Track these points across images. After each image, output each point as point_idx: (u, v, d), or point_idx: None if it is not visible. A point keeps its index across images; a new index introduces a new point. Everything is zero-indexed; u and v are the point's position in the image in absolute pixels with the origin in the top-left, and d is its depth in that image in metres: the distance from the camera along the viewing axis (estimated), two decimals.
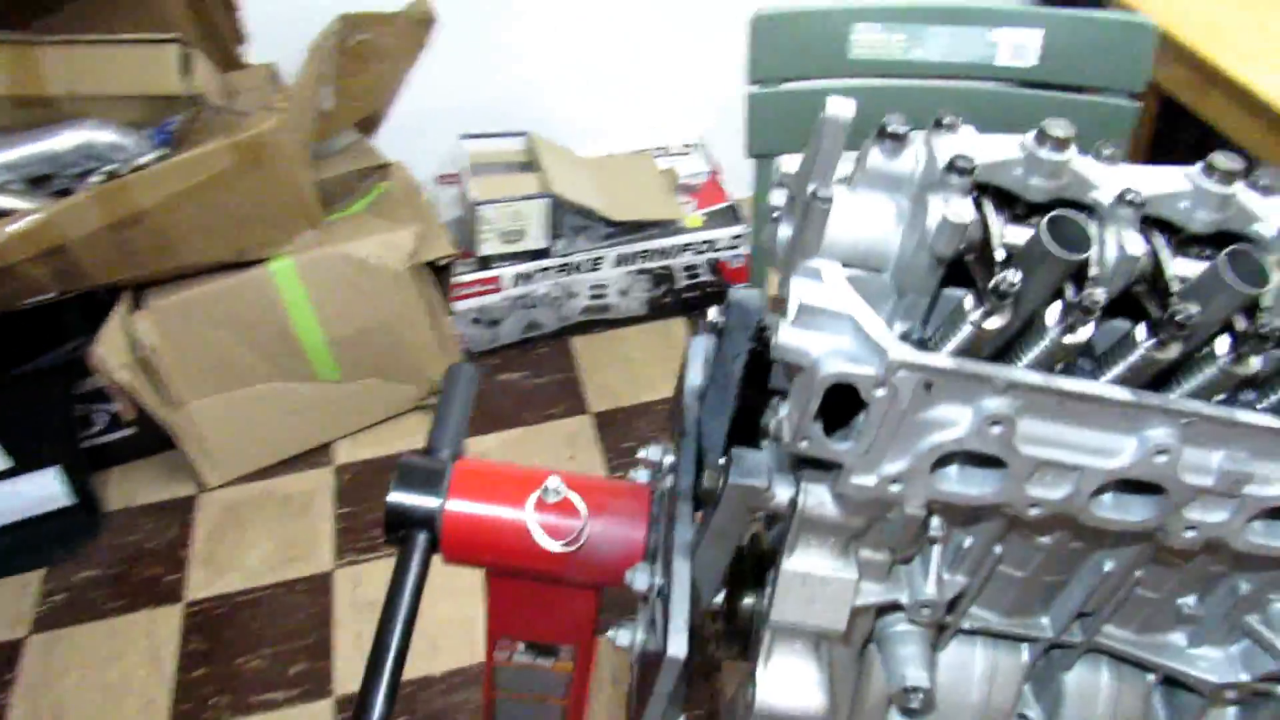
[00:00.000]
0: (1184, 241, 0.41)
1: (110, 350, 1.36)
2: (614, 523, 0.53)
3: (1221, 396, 0.41)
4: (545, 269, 1.65)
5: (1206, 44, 1.03)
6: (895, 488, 0.41)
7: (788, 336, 0.40)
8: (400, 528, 0.53)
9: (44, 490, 1.43)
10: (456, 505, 0.53)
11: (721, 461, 0.46)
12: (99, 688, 1.27)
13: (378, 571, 1.38)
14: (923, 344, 0.41)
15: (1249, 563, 0.45)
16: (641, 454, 0.57)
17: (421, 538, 0.52)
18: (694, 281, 1.73)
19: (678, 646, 0.44)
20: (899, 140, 0.43)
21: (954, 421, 0.40)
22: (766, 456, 0.44)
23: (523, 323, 1.70)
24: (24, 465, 1.40)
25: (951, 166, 0.39)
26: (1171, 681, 0.50)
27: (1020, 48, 0.95)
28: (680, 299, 1.75)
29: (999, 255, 0.38)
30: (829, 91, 1.00)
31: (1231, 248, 0.38)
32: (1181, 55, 1.03)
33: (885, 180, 0.43)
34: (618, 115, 1.90)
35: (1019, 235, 0.40)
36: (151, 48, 1.47)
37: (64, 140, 1.43)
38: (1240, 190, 0.40)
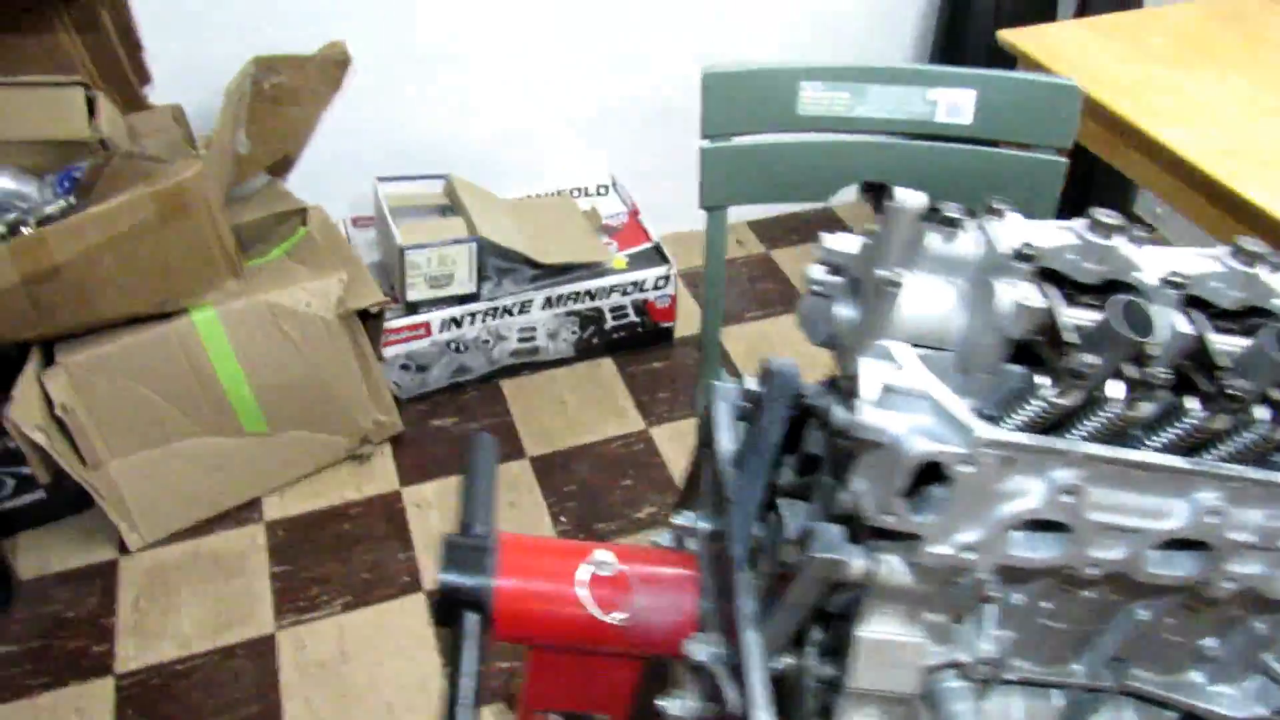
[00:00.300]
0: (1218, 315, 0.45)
1: (24, 411, 1.28)
2: (664, 593, 0.53)
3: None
4: (474, 313, 1.63)
5: (1120, 103, 1.11)
6: (969, 555, 0.43)
7: (869, 416, 0.42)
8: (452, 610, 0.52)
9: None
10: (508, 583, 0.52)
11: (793, 533, 0.47)
12: None
13: (324, 630, 1.33)
14: (992, 419, 0.43)
15: (1268, 606, 0.48)
16: (676, 520, 0.58)
17: (475, 619, 0.51)
18: (622, 322, 1.74)
19: None
20: (954, 225, 0.45)
21: (1026, 492, 0.42)
22: (839, 529, 0.46)
23: (451, 367, 1.67)
24: None
25: (1018, 254, 0.42)
26: (1192, 718, 0.53)
27: (955, 107, 1.00)
28: (608, 339, 1.76)
29: (1071, 337, 0.41)
30: (778, 145, 1.04)
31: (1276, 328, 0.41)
32: (1097, 113, 1.11)
33: (944, 263, 0.45)
34: (531, 157, 1.90)
35: (1076, 316, 0.42)
36: (54, 90, 1.40)
37: None
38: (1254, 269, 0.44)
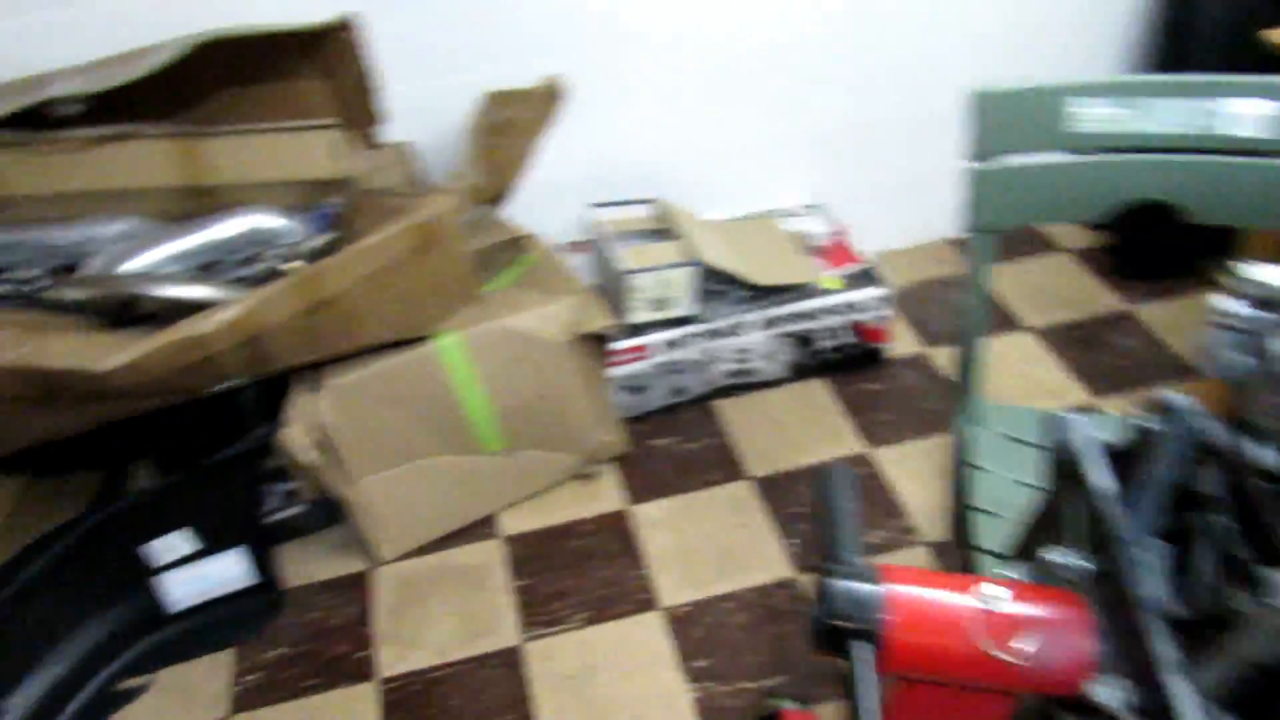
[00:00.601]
0: None
1: (297, 433, 1.37)
2: (1059, 631, 0.52)
3: None
4: (691, 335, 1.65)
5: None
6: None
7: None
8: (837, 639, 0.52)
9: (230, 571, 1.43)
10: (900, 615, 0.52)
11: (1213, 578, 0.45)
12: None
13: (568, 645, 1.37)
14: None
15: None
16: (1052, 557, 0.56)
17: (868, 650, 0.51)
18: (835, 343, 1.73)
19: None
20: None
21: None
22: None
23: (669, 388, 1.70)
24: (212, 548, 1.41)
25: None
26: None
27: (1253, 118, 0.95)
28: (821, 361, 1.75)
29: None
30: (1052, 165, 1.00)
31: None
32: None
33: None
34: (732, 178, 1.92)
35: None
36: (307, 134, 1.49)
37: (231, 227, 1.46)
38: None
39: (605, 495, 1.58)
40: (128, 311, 1.29)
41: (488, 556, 1.51)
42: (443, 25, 1.64)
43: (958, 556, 1.09)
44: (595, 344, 1.53)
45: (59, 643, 1.35)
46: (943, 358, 1.78)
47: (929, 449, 1.61)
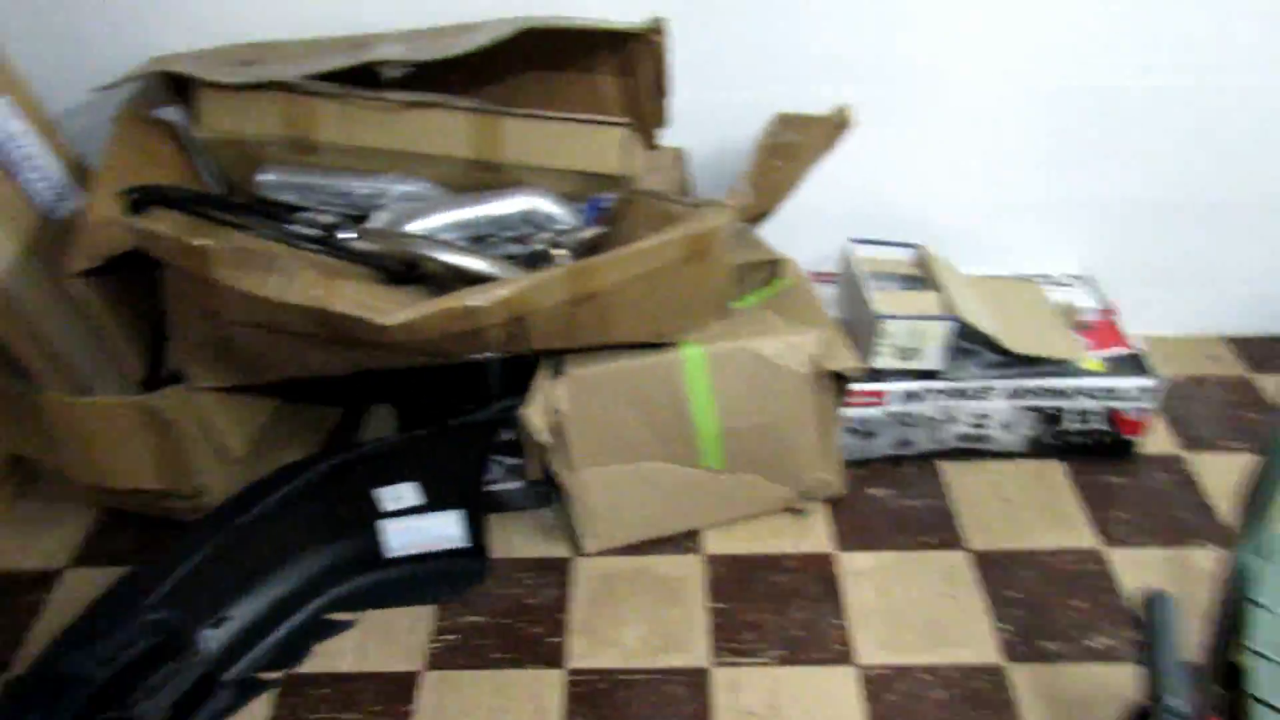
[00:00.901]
0: None
1: (536, 413, 1.39)
2: None
3: None
4: (932, 390, 1.58)
5: None
6: None
7: None
8: None
9: (445, 530, 1.48)
10: None
11: None
12: None
13: (756, 680, 1.33)
14: None
15: None
16: None
17: None
18: (1083, 427, 1.61)
19: None
20: None
21: None
22: None
23: (896, 439, 1.63)
24: (434, 505, 1.46)
25: None
26: None
27: None
28: (1064, 442, 1.64)
29: None
30: None
31: None
32: None
33: None
34: (999, 235, 1.82)
35: None
36: (600, 128, 1.51)
37: (510, 205, 1.50)
38: None
39: (814, 535, 1.54)
40: (408, 270, 1.35)
41: (688, 571, 1.49)
42: (740, 42, 1.63)
43: (1210, 693, 0.99)
44: (835, 382, 1.49)
45: (285, 565, 1.43)
46: (1203, 465, 1.63)
47: (1172, 560, 1.48)
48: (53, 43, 1.61)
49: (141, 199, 1.25)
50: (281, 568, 1.42)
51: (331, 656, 1.40)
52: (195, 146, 1.54)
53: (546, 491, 1.59)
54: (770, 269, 1.59)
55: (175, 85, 1.54)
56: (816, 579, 1.47)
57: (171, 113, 1.58)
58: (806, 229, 1.75)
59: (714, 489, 1.53)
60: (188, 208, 1.30)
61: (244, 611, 1.39)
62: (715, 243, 1.35)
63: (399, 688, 1.35)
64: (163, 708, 1.27)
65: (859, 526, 1.55)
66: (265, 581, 1.40)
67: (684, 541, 1.54)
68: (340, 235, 1.30)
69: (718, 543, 1.54)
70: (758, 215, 1.66)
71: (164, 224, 1.28)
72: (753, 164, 1.48)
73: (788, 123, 1.53)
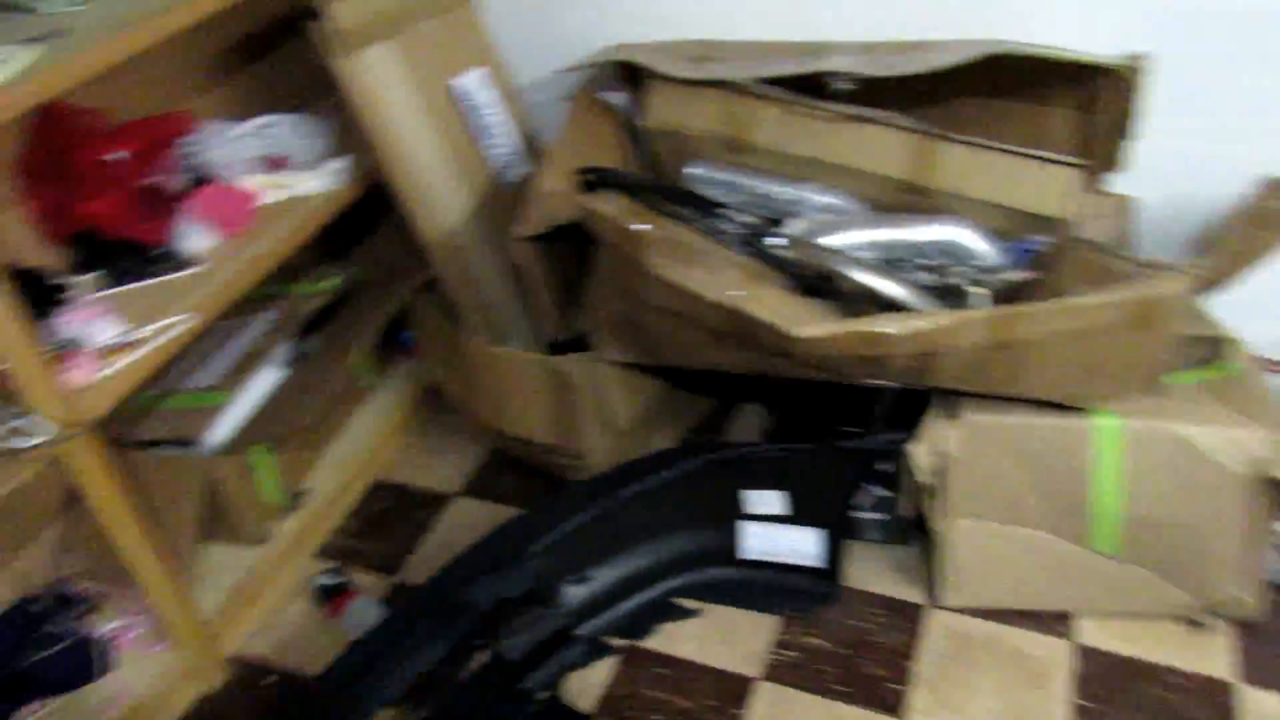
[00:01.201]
0: None
1: (924, 452, 1.33)
2: None
3: None
4: None
5: None
6: None
7: None
8: None
9: (803, 545, 1.46)
10: None
11: None
12: None
13: None
14: None
15: None
16: None
17: None
18: None
19: None
20: None
21: None
22: None
23: None
24: (798, 519, 1.44)
25: None
26: None
27: None
28: None
29: None
30: None
31: None
32: None
33: None
34: None
35: None
36: (1047, 166, 1.40)
37: (932, 233, 1.43)
38: None
39: (1212, 656, 1.34)
40: (822, 283, 1.33)
41: (1053, 654, 1.36)
42: (1225, 89, 1.43)
43: None
44: (1275, 491, 1.28)
45: (649, 542, 1.47)
46: None
47: None
48: (525, 21, 1.76)
49: (594, 180, 1.34)
50: (645, 543, 1.47)
51: (674, 639, 1.44)
52: (634, 132, 1.62)
53: (908, 531, 1.51)
54: (1212, 348, 1.39)
55: (628, 74, 1.63)
56: (1208, 707, 1.28)
57: (616, 98, 1.68)
58: (1264, 307, 1.51)
59: (1100, 574, 1.37)
60: (633, 193, 1.36)
61: (605, 576, 1.46)
62: (1165, 312, 1.20)
63: (734, 689, 1.36)
64: (522, 648, 1.36)
65: (1273, 661, 1.32)
66: (629, 553, 1.46)
67: (1053, 622, 1.40)
68: (768, 240, 1.31)
69: (1095, 634, 1.38)
70: (1211, 284, 1.47)
71: (609, 205, 1.36)
72: (1226, 229, 1.30)
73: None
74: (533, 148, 1.68)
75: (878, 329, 1.19)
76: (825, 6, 1.55)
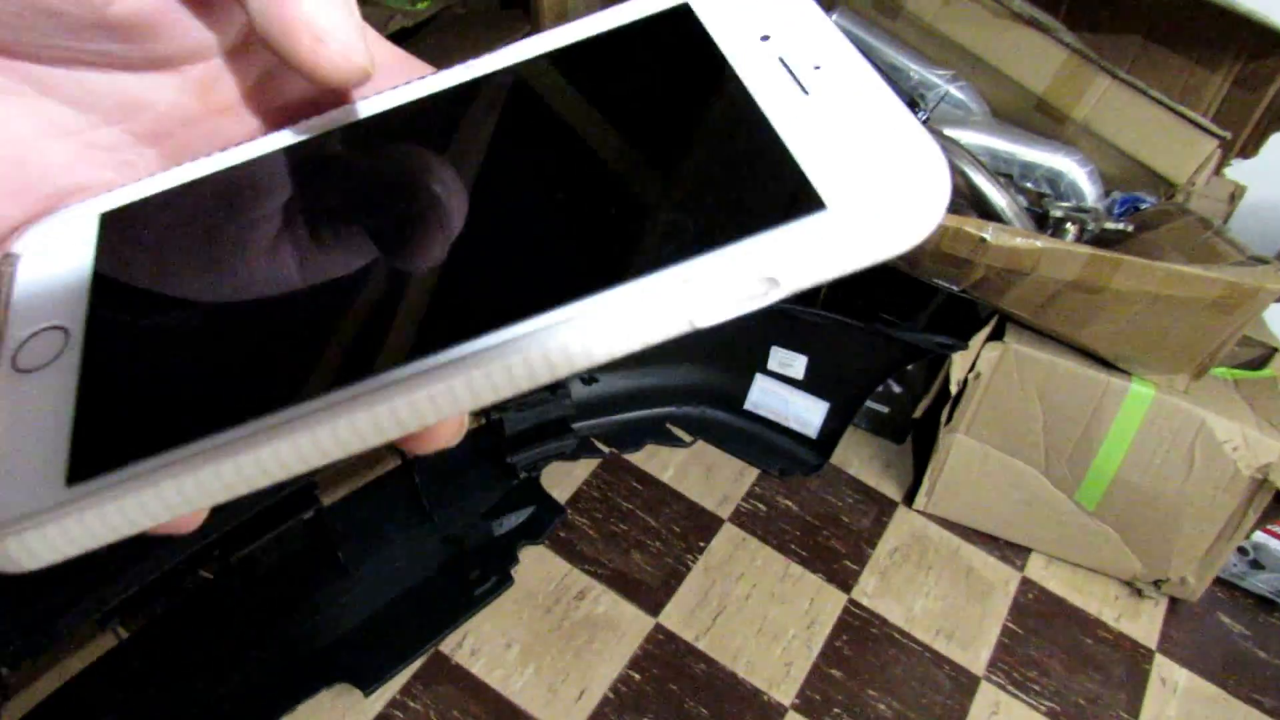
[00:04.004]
0: None
1: (961, 363, 1.28)
2: None
3: None
4: None
5: None
6: None
7: None
8: None
9: (805, 414, 1.43)
10: None
11: None
12: (757, 615, 1.26)
13: (1018, 712, 1.22)
14: None
15: None
16: None
17: None
18: None
19: None
20: None
21: None
22: None
23: (1273, 587, 1.40)
24: (811, 387, 1.40)
25: None
26: None
27: None
28: None
29: None
30: None
31: None
32: None
33: None
34: None
35: None
36: (1194, 132, 1.30)
37: (1047, 159, 1.34)
38: None
39: (1143, 623, 1.37)
40: None
41: (1000, 578, 1.37)
42: None
43: None
44: (1271, 501, 1.27)
45: (663, 364, 1.43)
46: None
47: None
48: None
49: None
50: (661, 365, 1.42)
51: (659, 461, 1.41)
52: None
53: (908, 431, 1.49)
54: (1260, 355, 1.36)
55: None
56: (1125, 666, 1.32)
57: None
58: None
59: (1069, 523, 1.38)
60: None
61: (612, 382, 1.41)
62: (1252, 304, 1.15)
63: (702, 522, 1.35)
64: (522, 424, 1.32)
65: (1194, 643, 1.36)
66: (640, 368, 1.41)
67: (1009, 550, 1.41)
68: (916, 114, 1.20)
69: (1040, 570, 1.40)
70: None
71: None
72: None
73: None
74: None
75: (982, 234, 1.11)
76: None
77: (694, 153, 0.23)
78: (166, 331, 0.22)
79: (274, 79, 0.27)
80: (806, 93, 0.23)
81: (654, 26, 0.26)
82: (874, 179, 0.21)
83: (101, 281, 0.23)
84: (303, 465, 0.20)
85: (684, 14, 0.26)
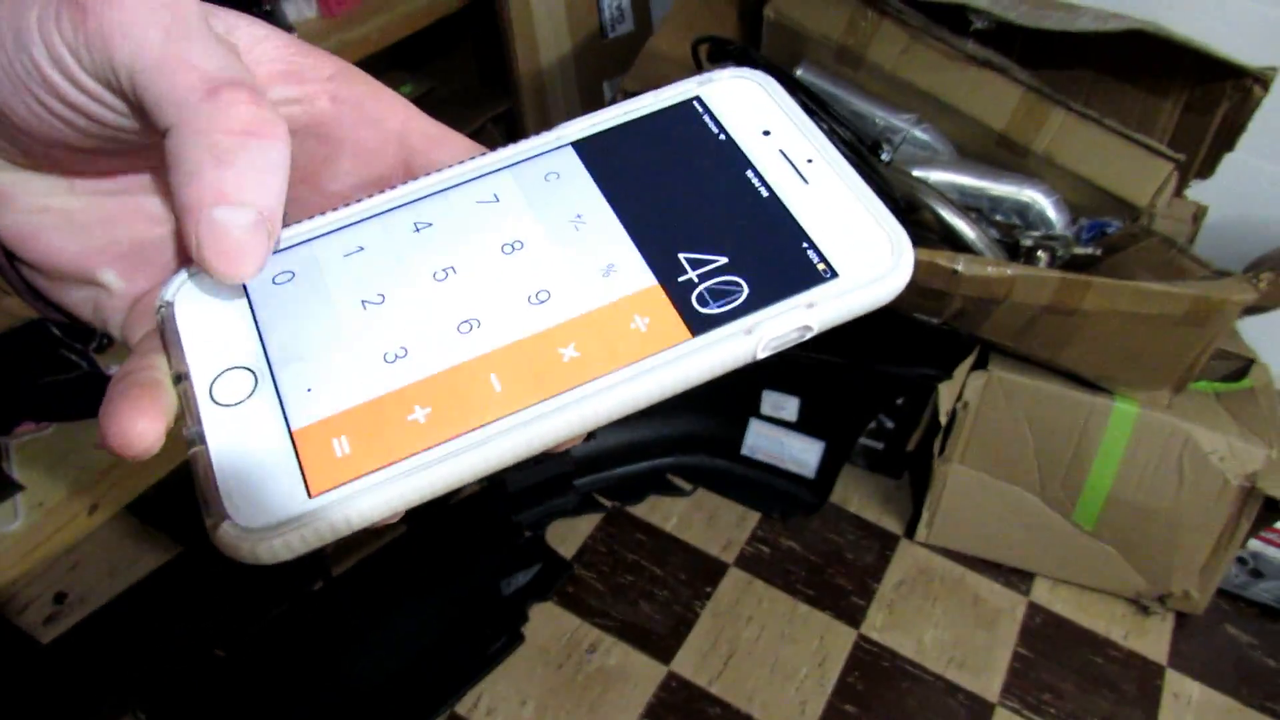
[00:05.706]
0: None
1: (948, 394, 1.30)
2: None
3: None
4: None
5: None
6: None
7: None
8: None
9: (802, 455, 1.44)
10: None
11: None
12: (769, 657, 1.26)
13: None
14: None
15: None
16: None
17: None
18: None
19: None
20: None
21: None
22: None
23: (1276, 595, 1.40)
24: (805, 428, 1.41)
25: None
26: None
27: None
28: None
29: None
30: None
31: None
32: None
33: None
34: None
35: None
36: (1150, 156, 1.33)
37: (1013, 192, 1.37)
38: None
39: (1151, 640, 1.36)
40: (907, 210, 1.27)
41: (1006, 604, 1.37)
42: None
43: None
44: (1262, 509, 1.28)
45: (661, 416, 1.44)
46: None
47: None
48: None
49: (713, 51, 1.25)
50: (658, 416, 1.43)
51: (661, 512, 1.42)
52: (750, 17, 1.52)
53: (903, 464, 1.50)
54: (1238, 367, 1.38)
55: None
56: (1136, 682, 1.31)
57: None
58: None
59: (1069, 544, 1.38)
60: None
61: (611, 436, 1.42)
62: (1221, 316, 1.17)
63: (707, 569, 1.35)
64: (524, 482, 1.33)
65: (1203, 656, 1.35)
66: (639, 421, 1.43)
67: (1013, 576, 1.41)
68: (882, 155, 1.24)
69: (1047, 594, 1.40)
70: (1256, 308, 1.44)
71: None
72: None
73: None
74: (638, 9, 1.58)
75: (954, 265, 1.14)
76: None
77: (740, 228, 0.28)
78: (338, 364, 0.26)
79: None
80: (807, 182, 0.28)
81: (675, 116, 0.30)
82: (864, 248, 0.27)
83: (268, 323, 0.26)
84: (498, 466, 0.25)
85: (700, 109, 0.30)
